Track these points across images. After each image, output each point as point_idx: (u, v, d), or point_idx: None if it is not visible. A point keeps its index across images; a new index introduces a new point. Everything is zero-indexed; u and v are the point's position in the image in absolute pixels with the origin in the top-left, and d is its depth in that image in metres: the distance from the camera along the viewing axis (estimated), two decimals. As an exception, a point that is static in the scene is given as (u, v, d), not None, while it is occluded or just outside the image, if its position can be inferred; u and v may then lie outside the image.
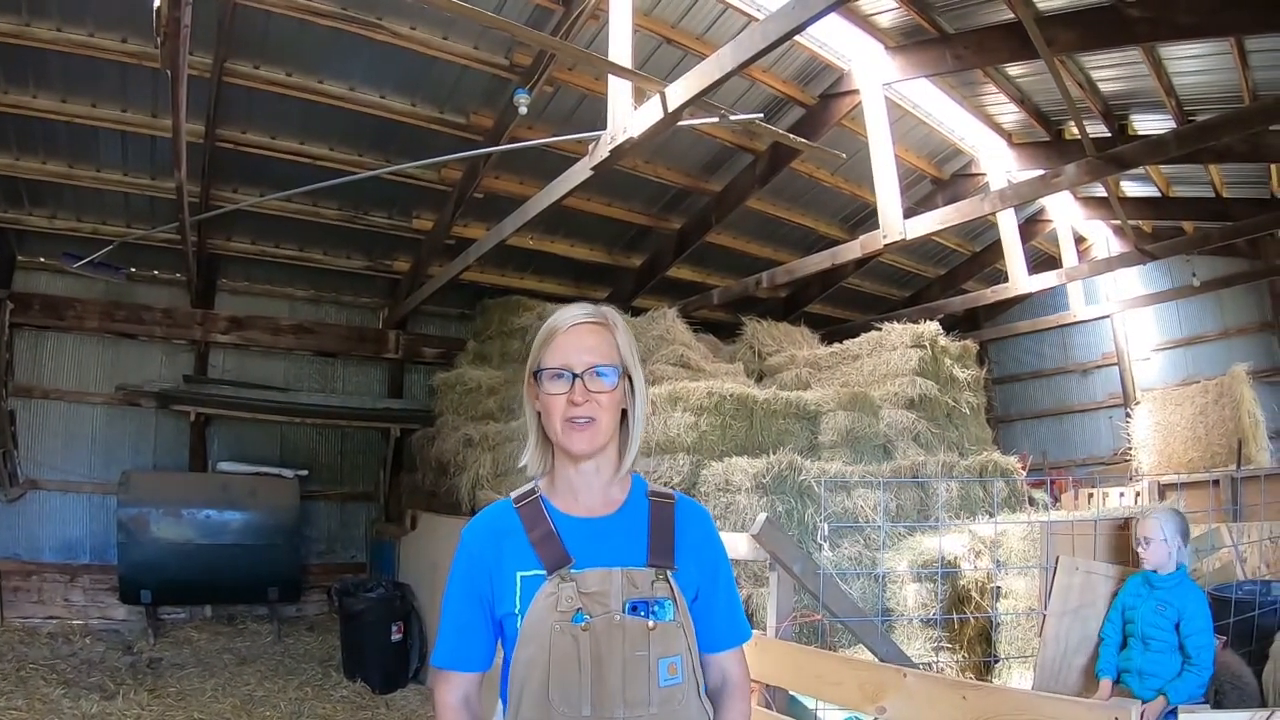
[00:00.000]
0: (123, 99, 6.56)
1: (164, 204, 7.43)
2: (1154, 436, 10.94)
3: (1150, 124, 7.74)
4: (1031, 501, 6.70)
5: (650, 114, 4.82)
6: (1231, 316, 11.09)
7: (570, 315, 1.69)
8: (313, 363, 9.76)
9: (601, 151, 5.24)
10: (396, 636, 7.01)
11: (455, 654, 1.69)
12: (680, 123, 5.00)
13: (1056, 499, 8.57)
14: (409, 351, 10.00)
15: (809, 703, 3.35)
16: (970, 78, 7.57)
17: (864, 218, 9.78)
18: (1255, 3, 5.31)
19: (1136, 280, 11.49)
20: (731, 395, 6.21)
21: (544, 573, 1.59)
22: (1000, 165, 8.89)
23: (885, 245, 7.07)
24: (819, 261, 8.17)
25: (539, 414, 1.70)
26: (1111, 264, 9.65)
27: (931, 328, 7.86)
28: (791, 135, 6.77)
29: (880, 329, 8.11)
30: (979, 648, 4.86)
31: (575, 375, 1.62)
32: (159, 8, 3.96)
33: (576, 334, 1.66)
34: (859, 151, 7.62)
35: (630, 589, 1.60)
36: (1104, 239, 11.54)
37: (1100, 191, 9.51)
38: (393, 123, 7.14)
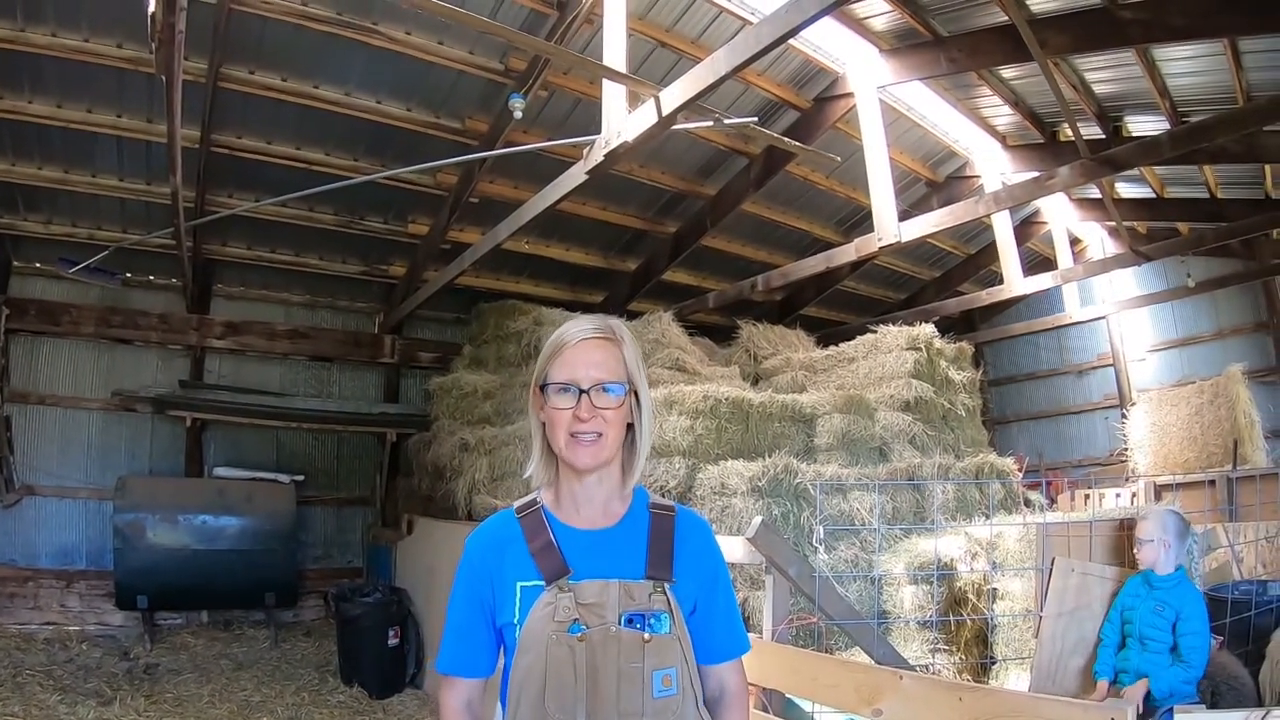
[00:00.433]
0: (118, 104, 6.55)
1: (159, 209, 7.41)
2: (1150, 437, 10.97)
3: (1144, 125, 7.77)
4: (1027, 503, 6.70)
5: (645, 118, 4.83)
6: (1226, 317, 11.12)
7: (579, 329, 1.70)
8: (309, 368, 9.74)
9: (596, 155, 5.25)
10: (393, 641, 6.99)
11: (458, 660, 1.72)
12: (675, 126, 5.01)
13: (1053, 500, 8.57)
14: (405, 356, 9.98)
15: (805, 705, 3.35)
16: (964, 80, 7.59)
17: (859, 221, 9.80)
18: (1248, 4, 5.33)
19: (1131, 281, 11.52)
20: (727, 399, 6.22)
21: (543, 583, 1.61)
22: (995, 167, 8.92)
23: (880, 248, 7.08)
24: (814, 264, 8.20)
25: (544, 425, 1.71)
26: (1106, 265, 9.67)
27: (927, 330, 7.88)
28: (786, 139, 6.78)
29: (876, 332, 8.14)
30: (975, 650, 4.86)
31: (582, 391, 1.63)
32: (154, 13, 3.97)
33: (584, 349, 1.67)
34: (854, 154, 7.62)
35: (627, 601, 1.61)
36: (1099, 240, 11.57)
37: (1095, 193, 9.55)
38: (388, 127, 7.14)
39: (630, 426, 1.72)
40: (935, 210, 7.75)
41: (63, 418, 8.31)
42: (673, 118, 4.75)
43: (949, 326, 11.24)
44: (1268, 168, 8.22)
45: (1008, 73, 7.40)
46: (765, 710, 3.30)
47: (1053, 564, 3.99)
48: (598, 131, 5.25)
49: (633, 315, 8.67)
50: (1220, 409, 10.12)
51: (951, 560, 5.12)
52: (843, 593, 3.94)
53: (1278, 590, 4.32)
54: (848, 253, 7.59)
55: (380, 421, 9.42)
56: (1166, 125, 7.27)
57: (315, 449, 9.68)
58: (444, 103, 7.09)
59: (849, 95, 7.34)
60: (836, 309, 12.58)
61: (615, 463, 1.71)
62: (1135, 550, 3.76)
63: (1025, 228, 10.90)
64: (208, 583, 7.71)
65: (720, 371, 8.04)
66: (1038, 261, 11.47)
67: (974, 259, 11.98)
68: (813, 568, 3.71)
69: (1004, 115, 8.28)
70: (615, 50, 4.92)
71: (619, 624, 1.59)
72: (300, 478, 8.95)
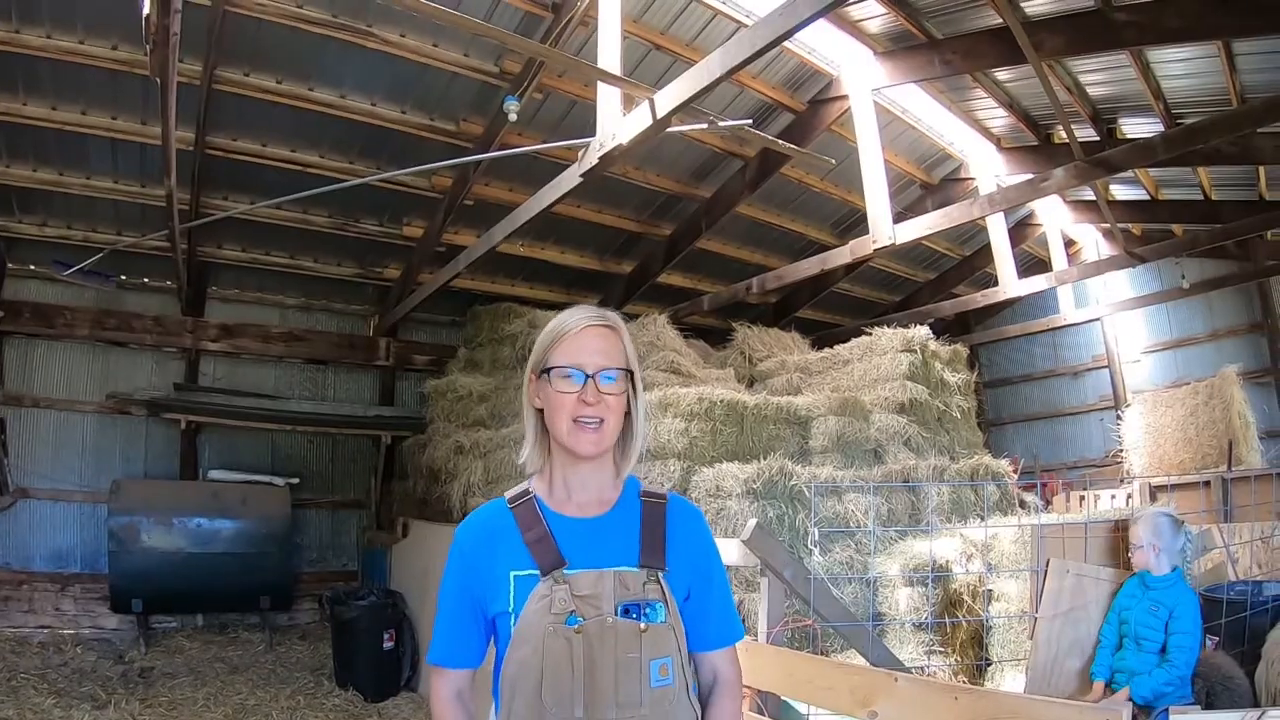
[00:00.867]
0: (113, 106, 6.54)
1: (154, 211, 7.40)
2: (1145, 438, 10.97)
3: (1138, 127, 7.79)
4: (1022, 504, 6.71)
5: (639, 120, 4.83)
6: (1221, 318, 11.17)
7: (580, 317, 1.71)
8: (304, 370, 9.73)
9: (591, 158, 5.25)
10: (388, 644, 6.99)
11: (448, 651, 1.72)
12: (669, 129, 5.00)
13: (1048, 502, 8.58)
14: (400, 359, 9.96)
15: (801, 708, 3.34)
16: (959, 83, 7.61)
17: (854, 223, 9.81)
18: (1242, 7, 5.34)
19: (1126, 283, 11.57)
20: (722, 401, 6.22)
21: (538, 573, 1.61)
22: (989, 170, 8.94)
23: (875, 250, 7.09)
24: (809, 267, 8.21)
25: (539, 412, 1.72)
26: (1101, 267, 9.69)
27: (922, 332, 7.89)
28: (781, 141, 6.78)
29: (870, 334, 8.15)
30: (971, 651, 4.85)
31: (587, 376, 1.64)
32: (148, 15, 3.96)
33: (587, 335, 1.69)
34: (848, 157, 7.64)
35: (622, 591, 1.61)
36: (1093, 242, 11.59)
37: (1089, 195, 9.56)
38: (383, 130, 7.14)
39: (626, 416, 1.72)
40: (930, 212, 7.76)
41: (57, 420, 8.29)
42: (667, 120, 4.75)
43: (944, 328, 11.29)
44: (1262, 169, 8.25)
45: (1002, 75, 7.42)
46: (761, 713, 3.29)
47: (1048, 565, 3.99)
48: (592, 134, 5.25)
49: (628, 318, 8.56)
50: (1215, 410, 10.13)
51: (947, 562, 5.12)
52: (838, 595, 3.94)
53: (1273, 591, 4.32)
54: (842, 255, 7.59)
55: (375, 424, 9.42)
56: (1161, 127, 7.29)
57: (310, 452, 9.66)
58: (439, 105, 7.09)
59: (844, 98, 7.34)
60: (831, 311, 12.59)
61: (612, 450, 1.73)
62: (1129, 554, 3.77)
63: (1020, 230, 10.93)
64: (203, 586, 7.69)
65: (715, 374, 8.04)
66: (1032, 263, 11.51)
67: (969, 261, 11.99)
68: (808, 570, 3.70)
69: (998, 117, 8.30)
70: (610, 53, 4.91)
71: (615, 615, 1.60)
72: (295, 480, 8.94)
